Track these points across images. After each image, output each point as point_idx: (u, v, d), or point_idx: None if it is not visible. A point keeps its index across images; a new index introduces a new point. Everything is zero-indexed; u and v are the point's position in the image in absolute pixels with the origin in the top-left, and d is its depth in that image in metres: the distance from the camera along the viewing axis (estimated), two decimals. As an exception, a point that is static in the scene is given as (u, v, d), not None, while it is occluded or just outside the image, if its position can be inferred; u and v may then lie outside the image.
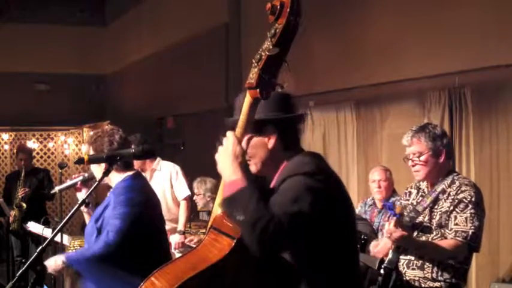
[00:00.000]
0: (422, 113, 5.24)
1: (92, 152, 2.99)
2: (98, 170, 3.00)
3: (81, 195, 3.19)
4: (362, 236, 3.81)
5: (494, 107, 4.85)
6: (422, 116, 5.19)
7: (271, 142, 2.03)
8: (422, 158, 3.05)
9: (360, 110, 6.04)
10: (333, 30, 6.28)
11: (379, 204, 4.54)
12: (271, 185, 2.03)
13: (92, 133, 3.19)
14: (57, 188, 3.26)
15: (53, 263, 2.88)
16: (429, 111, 5.17)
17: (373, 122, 5.90)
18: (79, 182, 3.16)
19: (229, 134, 1.92)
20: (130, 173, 3.02)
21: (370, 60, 5.81)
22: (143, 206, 2.94)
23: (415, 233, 3.07)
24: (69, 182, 3.22)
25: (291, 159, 2.01)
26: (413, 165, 3.10)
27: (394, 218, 3.02)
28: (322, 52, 6.40)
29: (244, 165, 1.89)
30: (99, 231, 2.90)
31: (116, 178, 2.99)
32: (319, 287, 1.97)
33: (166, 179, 5.36)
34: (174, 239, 5.25)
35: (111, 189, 3.01)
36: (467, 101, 4.95)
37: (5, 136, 10.05)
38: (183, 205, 5.39)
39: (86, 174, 3.18)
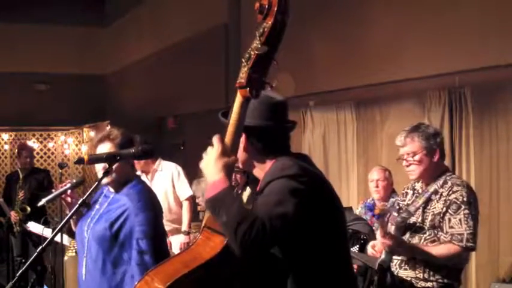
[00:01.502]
0: (422, 113, 5.24)
1: (111, 148, 2.94)
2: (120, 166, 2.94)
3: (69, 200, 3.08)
4: (362, 236, 3.81)
5: (494, 107, 4.85)
6: (423, 116, 5.19)
7: (248, 147, 2.05)
8: (417, 157, 3.06)
9: (360, 110, 6.04)
10: (333, 30, 6.28)
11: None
12: (258, 187, 2.04)
13: (109, 129, 3.08)
14: (44, 200, 3.02)
15: None
16: (429, 111, 5.18)
17: (373, 122, 5.90)
18: (68, 191, 3.01)
19: (215, 138, 1.94)
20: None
21: (370, 60, 5.81)
22: (157, 209, 2.98)
23: (408, 234, 3.07)
24: (56, 192, 3.04)
25: (276, 162, 2.02)
26: (407, 165, 3.11)
27: (379, 228, 3.03)
28: (322, 52, 6.40)
29: (228, 168, 1.90)
30: (115, 237, 2.85)
31: (103, 179, 2.93)
32: (310, 286, 1.98)
33: (168, 180, 5.34)
34: (178, 240, 5.25)
35: (121, 194, 2.96)
36: (467, 101, 4.95)
37: (5, 136, 10.05)
38: (186, 205, 5.37)
39: (74, 180, 3.08)
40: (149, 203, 2.92)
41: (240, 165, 2.09)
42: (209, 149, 1.95)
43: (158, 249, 2.82)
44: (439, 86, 5.14)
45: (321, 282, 1.98)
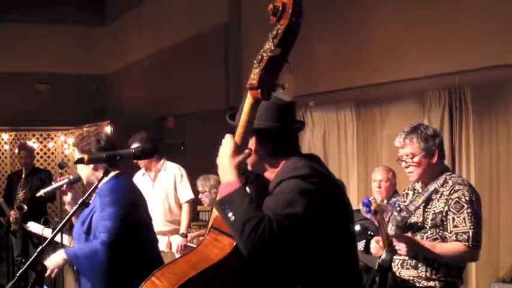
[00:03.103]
0: (422, 113, 5.24)
1: (78, 153, 3.01)
2: (84, 170, 3.02)
3: (68, 198, 3.19)
4: (369, 233, 3.81)
5: (494, 107, 4.86)
6: (422, 116, 5.19)
7: (259, 149, 2.05)
8: (415, 159, 3.06)
9: (360, 110, 6.04)
10: (333, 30, 6.28)
11: (380, 204, 4.53)
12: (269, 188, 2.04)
13: (77, 135, 3.21)
14: (42, 191, 3.23)
15: (54, 260, 2.90)
16: (429, 111, 5.18)
17: (373, 122, 5.90)
18: (65, 185, 3.15)
19: (227, 136, 1.93)
20: (113, 173, 3.02)
21: (371, 60, 5.81)
22: (129, 205, 2.96)
23: (409, 233, 3.07)
24: (54, 185, 3.21)
25: (287, 162, 2.02)
26: (406, 167, 3.11)
27: (380, 227, 3.02)
28: (323, 52, 6.40)
29: (240, 167, 1.90)
30: (87, 233, 2.92)
31: (103, 178, 2.99)
32: (316, 285, 1.97)
33: (170, 180, 5.33)
34: (176, 241, 5.24)
35: (96, 191, 3.01)
36: (467, 101, 4.96)
37: (5, 136, 10.03)
38: (186, 208, 5.36)
39: (71, 177, 3.17)
40: (119, 198, 2.91)
41: (250, 168, 2.07)
42: (223, 143, 1.93)
43: (123, 244, 2.82)
44: (439, 86, 5.14)
45: (330, 283, 1.98)
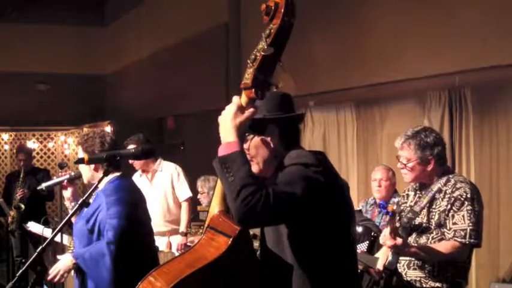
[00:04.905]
0: (422, 113, 5.24)
1: (82, 153, 3.03)
2: (86, 169, 3.05)
3: (67, 193, 3.25)
4: (372, 233, 3.82)
5: (494, 107, 4.85)
6: (422, 116, 5.19)
7: (272, 142, 2.04)
8: (409, 164, 3.09)
9: (360, 110, 6.04)
10: (333, 30, 6.28)
11: (380, 204, 4.54)
12: None
13: (82, 134, 3.26)
14: (43, 185, 3.28)
15: (63, 263, 2.93)
16: (429, 111, 5.17)
17: (373, 122, 5.90)
18: (65, 180, 3.20)
19: (234, 98, 1.91)
20: (117, 174, 3.06)
21: (370, 61, 5.80)
22: (133, 204, 3.01)
23: (415, 234, 3.07)
24: (55, 180, 3.27)
25: (291, 151, 2.03)
26: (401, 168, 3.15)
27: (389, 227, 3.02)
28: (323, 52, 6.40)
29: (241, 129, 1.87)
30: (91, 231, 2.95)
31: (103, 178, 3.01)
32: (313, 283, 1.97)
33: (167, 180, 5.34)
34: (176, 241, 5.24)
35: (100, 190, 3.03)
36: (467, 101, 4.95)
37: (5, 136, 10.04)
38: (185, 206, 5.37)
39: (73, 173, 3.23)
40: (124, 197, 2.96)
41: (261, 166, 2.05)
42: (228, 105, 1.91)
43: (129, 242, 2.86)
44: (439, 86, 5.14)
45: (326, 277, 1.98)
